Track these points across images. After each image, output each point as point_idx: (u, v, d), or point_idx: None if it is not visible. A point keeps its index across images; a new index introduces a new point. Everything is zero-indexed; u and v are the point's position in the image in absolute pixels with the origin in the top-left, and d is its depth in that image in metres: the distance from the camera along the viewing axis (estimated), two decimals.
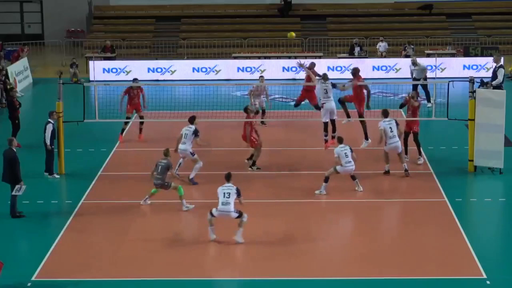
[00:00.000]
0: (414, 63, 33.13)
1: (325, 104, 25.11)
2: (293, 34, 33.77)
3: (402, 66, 38.77)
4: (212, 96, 34.71)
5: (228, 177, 18.74)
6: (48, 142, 23.58)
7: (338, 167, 21.50)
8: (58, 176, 23.82)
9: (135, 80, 28.57)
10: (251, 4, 50.77)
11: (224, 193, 18.35)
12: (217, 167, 23.95)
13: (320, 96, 25.47)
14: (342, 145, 21.69)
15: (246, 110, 24.16)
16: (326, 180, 21.59)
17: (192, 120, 23.38)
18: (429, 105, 31.31)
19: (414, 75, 33.42)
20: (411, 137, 24.54)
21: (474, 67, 39.77)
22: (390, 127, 23.15)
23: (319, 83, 25.39)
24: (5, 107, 33.39)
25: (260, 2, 50.95)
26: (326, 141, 25.29)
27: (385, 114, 23.38)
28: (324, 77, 25.38)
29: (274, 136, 27.40)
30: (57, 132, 23.88)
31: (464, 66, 39.99)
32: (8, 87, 32.36)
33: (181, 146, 22.95)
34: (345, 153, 21.46)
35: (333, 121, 25.29)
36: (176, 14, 50.47)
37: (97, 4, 51.25)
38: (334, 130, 25.47)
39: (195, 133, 22.92)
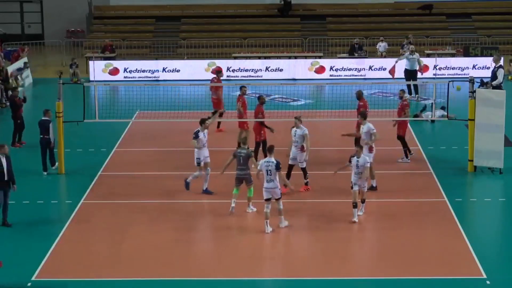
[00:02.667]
0: (413, 52, 33.65)
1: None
2: (459, 87, 32.83)
3: (402, 66, 38.76)
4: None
5: (270, 150, 19.43)
6: (52, 140, 24.05)
7: (354, 187, 19.80)
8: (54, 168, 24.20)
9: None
10: (251, 4, 50.75)
11: (267, 170, 19.02)
12: (217, 167, 23.98)
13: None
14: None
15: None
16: (355, 205, 19.85)
17: (200, 122, 22.17)
18: (409, 96, 32.30)
19: (406, 67, 33.82)
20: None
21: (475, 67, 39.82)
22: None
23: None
24: (5, 107, 33.42)
25: (260, 2, 50.93)
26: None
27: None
28: (297, 119, 21.88)
29: (274, 136, 27.34)
30: (57, 132, 23.93)
31: (464, 66, 40.02)
32: (12, 86, 32.35)
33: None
34: (357, 163, 19.79)
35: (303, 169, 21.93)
36: (176, 14, 50.46)
37: (97, 4, 51.23)
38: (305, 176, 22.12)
39: (194, 134, 21.88)
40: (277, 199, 19.21)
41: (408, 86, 33.69)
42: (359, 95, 25.01)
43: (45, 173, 24.03)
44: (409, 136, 26.23)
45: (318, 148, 24.92)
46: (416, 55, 34.04)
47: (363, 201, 20.15)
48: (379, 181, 22.47)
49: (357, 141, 24.24)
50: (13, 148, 26.78)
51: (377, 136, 21.97)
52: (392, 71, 34.10)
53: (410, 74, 33.90)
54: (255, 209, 20.40)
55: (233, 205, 20.17)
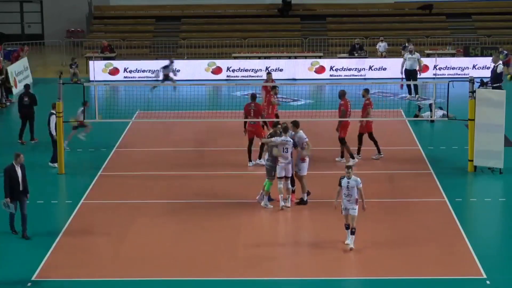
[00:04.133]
0: (412, 51, 33.70)
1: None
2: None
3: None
4: (212, 96, 34.76)
5: (285, 130, 20.57)
6: (54, 133, 23.96)
7: (343, 210, 18.23)
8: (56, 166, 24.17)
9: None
10: (251, 4, 50.75)
11: (283, 148, 20.36)
12: (217, 167, 24.02)
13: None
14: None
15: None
16: (347, 227, 18.33)
17: (273, 126, 21.74)
18: (408, 96, 32.80)
19: (406, 67, 33.84)
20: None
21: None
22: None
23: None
24: (5, 107, 33.40)
25: (260, 2, 50.92)
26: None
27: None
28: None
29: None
30: (57, 131, 23.92)
31: (464, 66, 40.04)
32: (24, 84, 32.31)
33: None
34: (347, 185, 18.04)
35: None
36: (176, 14, 50.45)
37: (97, 4, 51.23)
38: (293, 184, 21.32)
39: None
40: (287, 178, 20.44)
41: (408, 85, 33.71)
42: (341, 95, 24.86)
43: (55, 164, 24.20)
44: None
45: (318, 148, 24.90)
46: (416, 54, 34.03)
47: (352, 232, 18.10)
48: (379, 180, 22.49)
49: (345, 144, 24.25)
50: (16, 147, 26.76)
51: (310, 147, 21.00)
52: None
53: (409, 74, 33.91)
54: (270, 206, 20.65)
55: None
